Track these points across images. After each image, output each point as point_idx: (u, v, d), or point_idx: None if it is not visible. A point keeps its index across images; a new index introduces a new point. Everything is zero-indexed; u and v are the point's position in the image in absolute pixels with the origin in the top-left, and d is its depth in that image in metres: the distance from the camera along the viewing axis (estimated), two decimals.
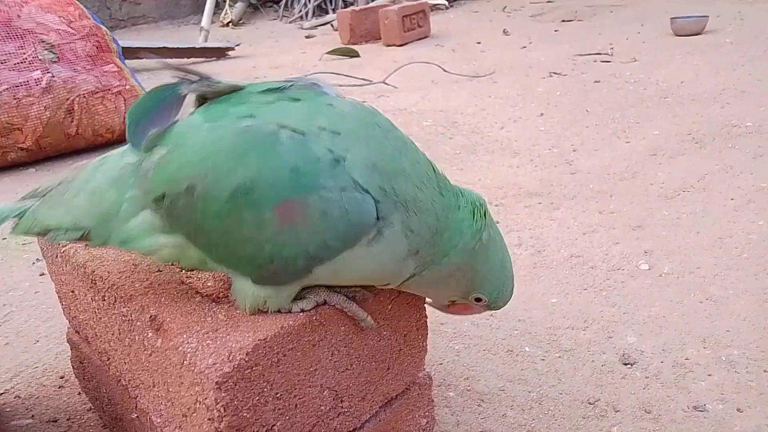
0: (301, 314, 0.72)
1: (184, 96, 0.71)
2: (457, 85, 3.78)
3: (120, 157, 0.74)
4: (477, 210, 0.72)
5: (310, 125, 0.65)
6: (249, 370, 0.67)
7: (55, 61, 2.92)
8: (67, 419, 1.22)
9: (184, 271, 0.84)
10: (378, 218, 0.64)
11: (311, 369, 0.74)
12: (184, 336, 0.70)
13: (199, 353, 0.67)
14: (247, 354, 0.66)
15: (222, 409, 0.66)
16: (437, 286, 0.76)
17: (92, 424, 1.19)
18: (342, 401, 0.80)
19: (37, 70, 2.84)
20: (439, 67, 4.10)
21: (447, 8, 7.29)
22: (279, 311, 0.71)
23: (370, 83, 3.91)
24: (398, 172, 0.66)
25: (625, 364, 1.24)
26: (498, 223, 1.91)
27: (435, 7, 7.15)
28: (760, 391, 1.16)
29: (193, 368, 0.67)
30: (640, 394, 1.17)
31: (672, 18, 4.57)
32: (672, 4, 5.55)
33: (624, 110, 2.96)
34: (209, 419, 0.68)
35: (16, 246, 2.05)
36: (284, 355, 0.70)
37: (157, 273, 0.84)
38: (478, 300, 0.77)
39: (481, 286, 0.75)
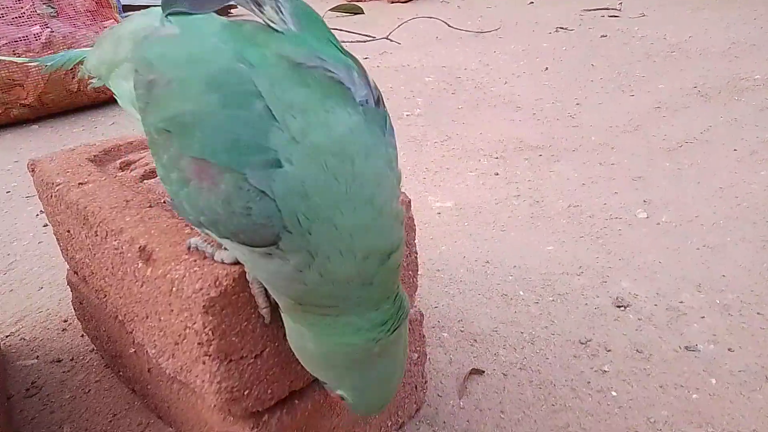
0: None
1: None
2: (462, 42, 3.71)
3: (147, 14, 0.72)
4: (386, 324, 0.62)
5: (287, 113, 0.56)
6: (236, 296, 0.68)
7: (54, 16, 2.88)
8: (71, 359, 1.25)
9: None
10: (276, 244, 0.56)
11: None
12: (173, 264, 0.70)
13: (187, 279, 0.68)
14: (233, 280, 0.67)
15: (210, 333, 0.67)
16: (311, 359, 0.67)
17: (95, 364, 1.23)
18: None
19: (36, 25, 2.81)
20: (444, 22, 4.03)
21: None
22: (202, 254, 0.70)
23: (373, 39, 3.85)
24: (328, 222, 0.55)
25: (619, 307, 1.25)
26: (497, 175, 1.91)
27: None
28: (752, 332, 1.17)
29: (181, 294, 0.69)
30: (632, 335, 1.18)
31: None
32: None
33: (630, 65, 2.90)
34: (199, 344, 0.70)
35: (21, 197, 2.07)
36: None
37: (147, 208, 0.85)
38: (341, 398, 0.68)
39: (348, 390, 0.67)
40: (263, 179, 0.54)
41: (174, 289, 0.69)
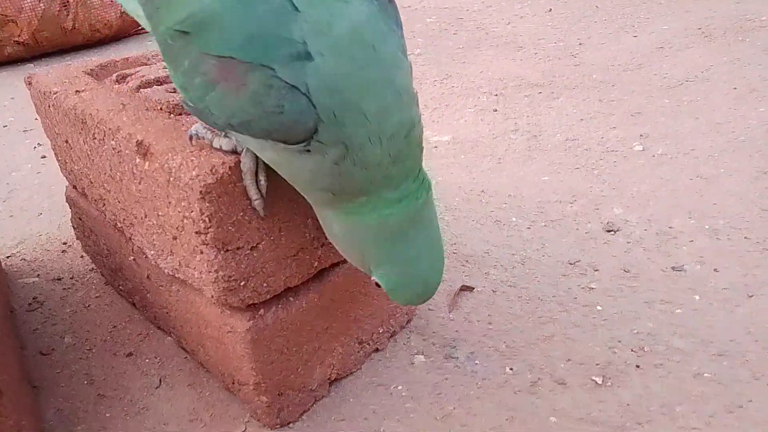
0: None
1: None
2: None
3: None
4: (410, 197, 0.63)
5: (310, 3, 0.55)
6: (232, 185, 0.69)
7: None
8: (71, 278, 1.28)
9: (171, 114, 0.85)
10: (312, 136, 0.56)
11: (294, 196, 0.76)
12: (169, 155, 0.72)
13: (184, 168, 0.69)
14: (230, 168, 0.68)
15: (207, 220, 0.69)
16: (340, 242, 0.69)
17: (94, 281, 1.26)
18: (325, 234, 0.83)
19: None
20: None
21: None
22: (202, 141, 0.71)
23: None
24: (358, 110, 0.56)
25: (609, 231, 1.27)
26: (495, 111, 1.90)
27: None
28: (739, 254, 1.19)
29: (178, 183, 0.70)
30: (621, 256, 1.20)
31: None
32: None
33: (635, 5, 2.85)
34: (196, 233, 0.71)
35: (18, 131, 2.07)
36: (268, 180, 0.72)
37: (144, 111, 0.85)
38: (377, 285, 0.68)
39: (380, 272, 0.67)
40: (294, 73, 0.54)
41: (171, 178, 0.71)
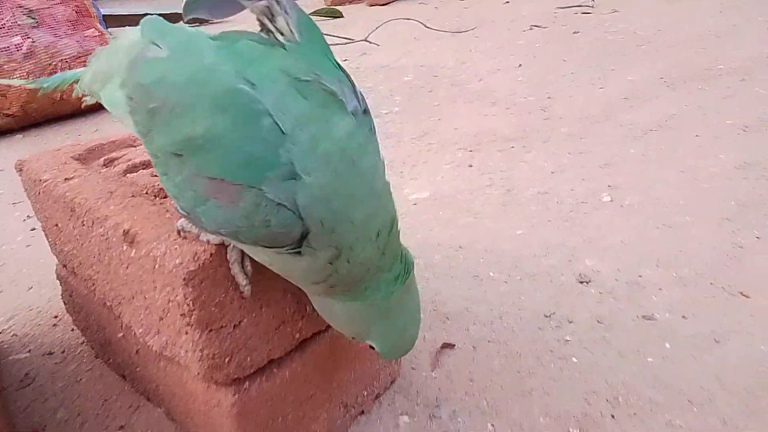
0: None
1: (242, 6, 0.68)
2: (440, 41, 3.80)
3: (136, 31, 0.73)
4: (401, 276, 0.72)
5: (295, 127, 0.60)
6: (213, 270, 0.74)
7: (35, 27, 2.93)
8: (62, 352, 1.30)
9: (156, 197, 0.90)
10: (301, 242, 0.62)
11: (274, 275, 0.81)
12: (154, 243, 0.77)
13: (168, 256, 0.74)
14: (211, 255, 0.73)
15: (191, 304, 0.73)
16: (339, 322, 0.77)
17: (85, 355, 1.28)
18: (305, 306, 0.87)
19: (17, 35, 2.86)
20: (422, 23, 4.11)
21: None
22: (189, 234, 0.76)
23: (351, 41, 3.92)
24: (347, 219, 0.63)
25: (582, 283, 1.33)
26: (471, 167, 1.98)
27: None
28: (705, 302, 1.24)
29: (163, 270, 0.75)
30: (594, 307, 1.25)
31: None
32: None
33: (601, 58, 3.00)
34: (181, 315, 0.76)
35: (7, 203, 2.12)
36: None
37: (130, 198, 0.90)
38: (371, 347, 0.78)
39: (375, 340, 0.76)
40: (281, 192, 0.59)
41: (156, 265, 0.76)
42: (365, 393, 1.04)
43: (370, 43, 3.86)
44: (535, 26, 3.85)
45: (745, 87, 2.38)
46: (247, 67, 0.62)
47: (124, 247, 0.82)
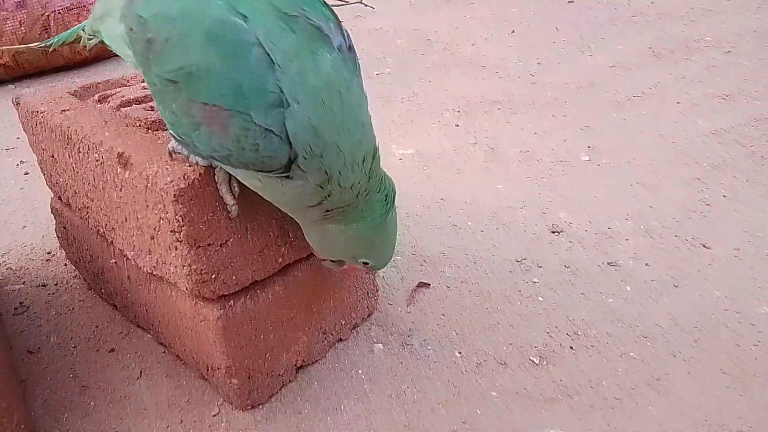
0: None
1: None
2: (434, 7, 3.79)
3: None
4: (389, 196, 0.81)
5: (285, 58, 0.65)
6: (202, 189, 0.80)
7: None
8: (55, 284, 1.36)
9: (148, 129, 0.95)
10: (290, 165, 0.68)
11: (259, 201, 0.86)
12: (146, 164, 0.82)
13: (160, 175, 0.80)
14: (200, 174, 0.79)
15: (180, 220, 0.79)
16: (337, 246, 0.84)
17: (77, 287, 1.34)
18: (288, 233, 0.93)
19: None
20: None
21: None
22: (179, 156, 0.82)
23: (346, 3, 3.91)
24: (333, 146, 0.68)
25: (553, 233, 1.40)
26: (457, 126, 2.03)
27: None
28: (668, 251, 1.32)
29: (154, 188, 0.80)
30: (563, 254, 1.33)
31: None
32: None
33: (592, 28, 3.03)
34: (171, 231, 0.82)
35: (0, 150, 2.15)
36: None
37: (124, 127, 0.95)
38: (365, 264, 0.87)
39: (371, 256, 0.86)
40: (269, 119, 0.65)
41: (148, 185, 0.81)
42: (343, 322, 1.11)
43: (366, 5, 3.85)
44: None
45: (729, 59, 2.43)
46: (238, 1, 0.67)
47: (118, 170, 0.87)
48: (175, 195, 0.77)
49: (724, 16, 2.98)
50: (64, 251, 1.39)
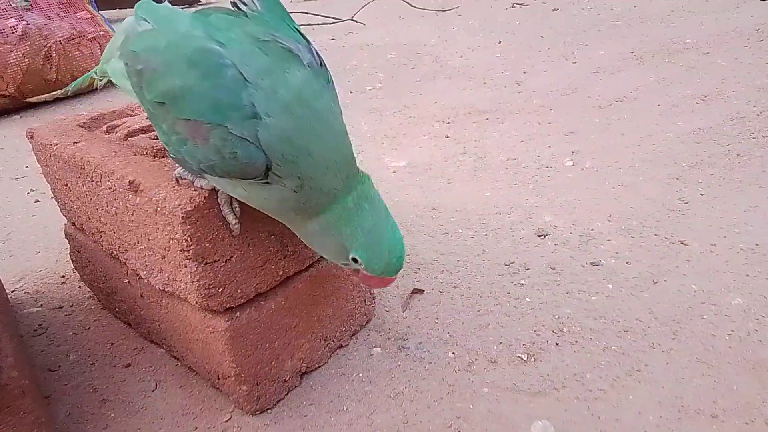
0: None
1: None
2: (423, 20, 3.90)
3: (127, 21, 0.90)
4: (360, 186, 0.82)
5: (257, 77, 0.73)
6: (207, 211, 0.87)
7: (28, 9, 3.01)
8: (70, 305, 1.44)
9: (155, 157, 1.03)
10: (267, 173, 0.75)
11: (259, 217, 0.94)
12: (155, 190, 0.90)
13: (168, 200, 0.88)
14: (204, 198, 0.87)
15: (188, 239, 0.87)
16: (322, 242, 0.85)
17: (92, 307, 1.42)
18: (287, 247, 1.01)
19: (11, 18, 2.94)
20: (407, 2, 4.20)
21: None
22: (185, 182, 0.90)
23: (338, 21, 4.01)
24: (306, 153, 0.75)
25: (540, 236, 1.47)
26: (447, 137, 2.12)
27: None
28: (648, 249, 1.39)
29: (164, 212, 0.88)
30: (548, 256, 1.40)
31: None
32: None
33: (576, 34, 3.12)
34: (180, 250, 0.89)
35: (10, 179, 2.24)
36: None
37: (133, 156, 1.04)
38: (355, 260, 0.85)
39: (356, 250, 0.83)
40: (244, 129, 0.73)
41: (158, 208, 0.89)
42: (343, 329, 1.19)
43: (357, 22, 3.96)
44: (517, 4, 3.96)
45: (708, 60, 2.52)
46: (216, 32, 0.78)
47: (130, 196, 0.95)
48: (183, 217, 0.85)
49: (704, 17, 3.07)
50: (77, 274, 1.47)
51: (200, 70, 0.74)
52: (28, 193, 2.11)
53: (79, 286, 1.50)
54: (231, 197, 0.89)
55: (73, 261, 1.43)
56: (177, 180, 0.90)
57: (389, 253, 0.86)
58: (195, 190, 0.88)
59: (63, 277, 1.56)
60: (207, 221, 0.88)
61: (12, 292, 1.53)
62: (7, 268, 1.63)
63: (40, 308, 1.46)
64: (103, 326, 1.35)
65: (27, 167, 2.26)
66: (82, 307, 1.43)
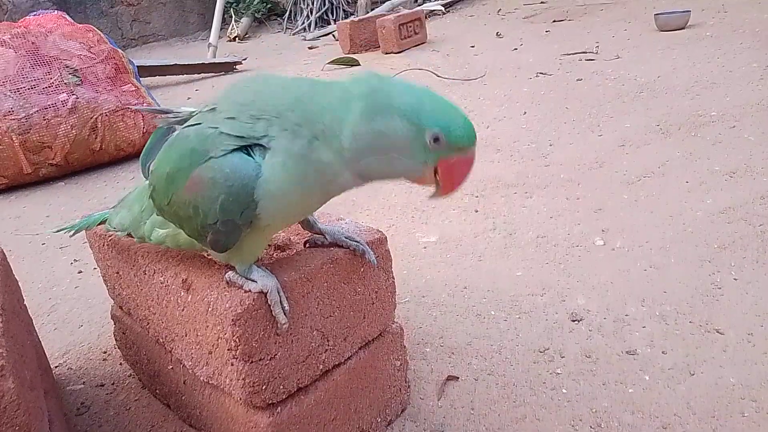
0: (293, 273, 0.97)
1: (169, 128, 0.98)
2: (449, 89, 4.02)
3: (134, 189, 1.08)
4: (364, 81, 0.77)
5: (215, 120, 0.84)
6: (255, 311, 0.92)
7: (78, 84, 3.21)
8: (112, 383, 1.48)
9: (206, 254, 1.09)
10: (256, 160, 0.79)
11: (302, 314, 0.99)
12: (208, 290, 0.95)
13: (219, 301, 0.92)
14: (253, 300, 0.92)
15: (237, 340, 0.91)
16: (390, 154, 0.76)
17: (133, 386, 1.46)
18: (328, 340, 1.05)
19: (63, 92, 3.13)
20: (433, 72, 4.35)
21: (444, 14, 7.53)
22: (235, 285, 0.95)
23: None
24: (272, 104, 0.80)
25: (573, 321, 1.48)
26: (476, 211, 2.16)
27: (432, 14, 7.40)
28: (683, 337, 1.39)
29: (215, 312, 0.93)
30: (583, 343, 1.40)
31: (656, 14, 4.78)
32: (658, 1, 5.74)
33: (601, 105, 3.19)
34: (228, 350, 0.94)
35: (55, 248, 2.33)
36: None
37: (184, 253, 1.10)
38: (436, 140, 0.73)
39: (419, 118, 0.72)
40: (216, 145, 0.81)
41: (210, 309, 0.94)
42: (379, 419, 1.20)
43: None
44: (541, 73, 4.06)
45: (734, 133, 2.54)
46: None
47: (182, 293, 1.01)
48: (233, 319, 0.90)
49: (727, 89, 3.11)
50: (120, 351, 1.52)
51: (176, 147, 0.88)
52: (72, 264, 2.19)
53: (120, 363, 1.55)
54: (280, 296, 0.93)
55: (117, 341, 1.48)
56: (227, 282, 0.95)
57: (455, 110, 0.77)
58: (245, 293, 0.92)
59: (105, 353, 1.61)
60: (255, 322, 0.92)
61: (56, 367, 1.58)
62: (52, 341, 1.69)
63: (83, 386, 1.50)
64: (143, 407, 1.39)
65: (72, 237, 2.36)
66: (123, 385, 1.47)
